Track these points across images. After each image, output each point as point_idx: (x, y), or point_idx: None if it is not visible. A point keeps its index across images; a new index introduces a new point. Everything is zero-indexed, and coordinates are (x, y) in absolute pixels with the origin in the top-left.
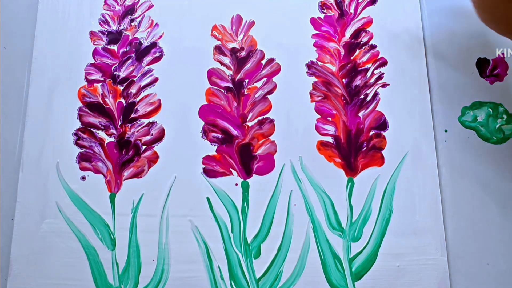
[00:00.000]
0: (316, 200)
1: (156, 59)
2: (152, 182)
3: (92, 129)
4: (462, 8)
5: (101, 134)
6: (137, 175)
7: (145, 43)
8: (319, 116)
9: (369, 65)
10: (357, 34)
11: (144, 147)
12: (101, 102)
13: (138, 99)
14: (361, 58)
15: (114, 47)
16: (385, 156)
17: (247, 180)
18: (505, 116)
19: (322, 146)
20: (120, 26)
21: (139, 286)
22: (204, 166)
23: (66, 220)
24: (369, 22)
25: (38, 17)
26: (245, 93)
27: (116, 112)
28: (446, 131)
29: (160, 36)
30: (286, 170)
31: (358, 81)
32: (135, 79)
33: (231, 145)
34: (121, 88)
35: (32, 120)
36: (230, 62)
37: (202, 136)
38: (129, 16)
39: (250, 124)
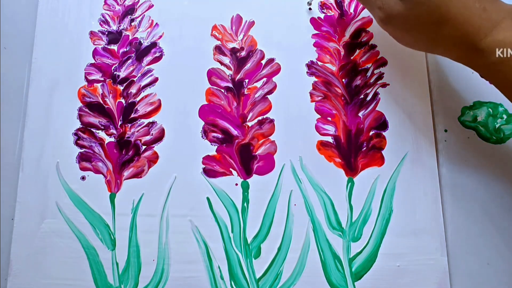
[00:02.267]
0: (316, 200)
1: (156, 59)
2: (152, 182)
3: (92, 129)
4: None
5: (101, 134)
6: (137, 175)
7: (145, 43)
8: (319, 116)
9: (369, 65)
10: (357, 34)
11: (144, 147)
12: (101, 102)
13: (138, 99)
14: (361, 58)
15: (114, 47)
16: (385, 156)
17: (247, 180)
18: (505, 116)
19: (322, 146)
20: (120, 26)
21: (139, 286)
22: (204, 166)
23: (66, 220)
24: (369, 22)
25: (38, 17)
26: (245, 93)
27: (116, 112)
28: (446, 131)
29: (160, 36)
30: (286, 170)
31: (358, 81)
32: (135, 79)
33: (231, 145)
34: (121, 88)
35: (32, 120)
36: (230, 62)
37: (202, 136)
38: (129, 16)
39: (250, 124)
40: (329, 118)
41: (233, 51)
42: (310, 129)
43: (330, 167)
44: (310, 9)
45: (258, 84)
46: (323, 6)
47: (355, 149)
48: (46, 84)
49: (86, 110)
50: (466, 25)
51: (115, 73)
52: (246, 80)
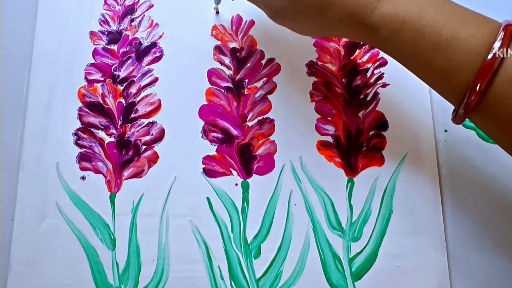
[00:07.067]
0: (316, 200)
1: (156, 59)
2: (152, 182)
3: (92, 129)
4: None
5: (101, 134)
6: (137, 175)
7: (145, 43)
8: (319, 116)
9: (369, 65)
10: None
11: (144, 147)
12: (101, 102)
13: (138, 99)
14: (361, 58)
15: (114, 47)
16: (385, 156)
17: (247, 180)
18: None
19: (322, 146)
20: (120, 26)
21: (139, 286)
22: (204, 166)
23: (66, 220)
24: None
25: (38, 17)
26: (245, 93)
27: (116, 112)
28: (446, 131)
29: (160, 36)
30: (286, 170)
31: (358, 81)
32: (135, 79)
33: (231, 145)
34: (121, 88)
35: (32, 120)
36: (230, 62)
37: (202, 136)
38: (129, 16)
39: (250, 124)
40: (329, 118)
41: (233, 51)
42: (310, 129)
43: (330, 167)
44: (217, 13)
45: (258, 84)
46: None
47: (355, 149)
48: (46, 84)
49: (86, 110)
50: (351, 5)
51: (115, 73)
52: (246, 80)
